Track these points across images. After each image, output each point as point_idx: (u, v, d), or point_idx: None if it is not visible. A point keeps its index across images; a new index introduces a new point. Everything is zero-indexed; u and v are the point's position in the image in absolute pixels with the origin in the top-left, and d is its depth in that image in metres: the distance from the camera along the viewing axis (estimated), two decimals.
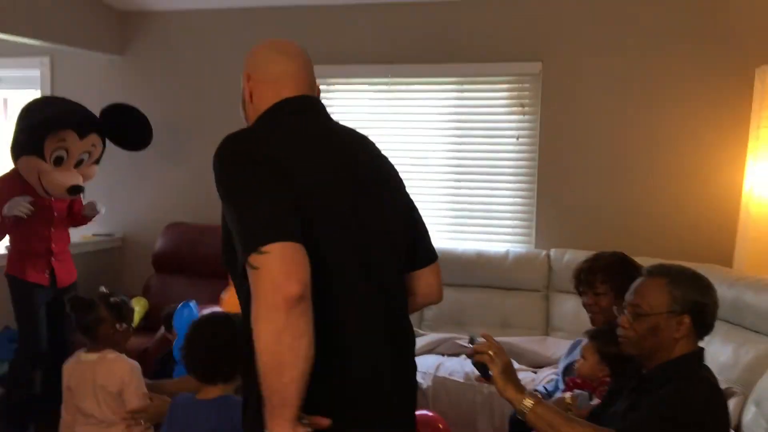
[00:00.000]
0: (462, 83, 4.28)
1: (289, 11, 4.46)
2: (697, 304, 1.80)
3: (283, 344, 1.22)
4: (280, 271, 1.23)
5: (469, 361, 1.90)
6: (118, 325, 2.54)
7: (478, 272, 4.00)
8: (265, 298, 1.24)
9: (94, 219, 3.82)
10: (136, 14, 4.75)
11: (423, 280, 1.67)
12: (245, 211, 1.32)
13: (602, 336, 2.25)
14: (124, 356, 2.53)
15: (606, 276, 2.41)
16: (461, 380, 3.31)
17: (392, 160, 1.67)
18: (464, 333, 3.74)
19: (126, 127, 3.87)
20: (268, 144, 1.44)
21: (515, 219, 4.29)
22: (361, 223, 1.47)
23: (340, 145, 1.54)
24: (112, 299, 2.57)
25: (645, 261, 2.40)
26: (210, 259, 4.26)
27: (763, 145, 3.50)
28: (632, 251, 3.86)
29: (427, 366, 3.38)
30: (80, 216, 3.75)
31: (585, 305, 2.48)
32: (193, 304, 2.95)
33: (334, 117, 1.63)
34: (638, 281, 1.87)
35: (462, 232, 4.33)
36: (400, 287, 1.59)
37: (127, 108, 3.90)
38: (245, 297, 1.36)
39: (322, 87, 1.76)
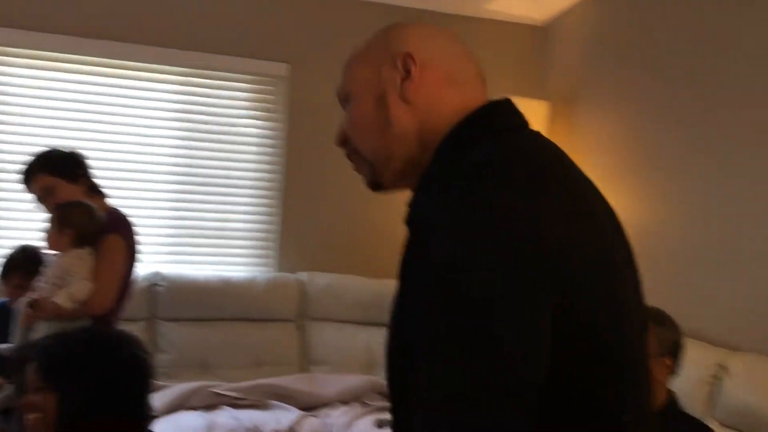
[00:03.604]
0: (191, 75, 3.61)
1: None
2: (677, 344, 1.79)
3: None
4: None
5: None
6: None
7: (224, 303, 3.42)
8: None
9: None
10: None
11: None
12: (467, 376, 0.74)
13: None
14: None
15: None
16: None
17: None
18: (216, 379, 3.16)
19: None
20: (537, 217, 0.79)
21: (255, 240, 3.76)
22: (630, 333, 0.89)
23: (594, 198, 0.92)
24: None
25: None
26: None
27: None
28: (386, 273, 3.68)
29: (193, 428, 2.75)
30: None
31: None
32: None
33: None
34: None
35: (190, 254, 3.68)
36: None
37: None
38: None
39: None
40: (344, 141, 1.02)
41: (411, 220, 0.89)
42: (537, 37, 3.98)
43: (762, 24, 2.55)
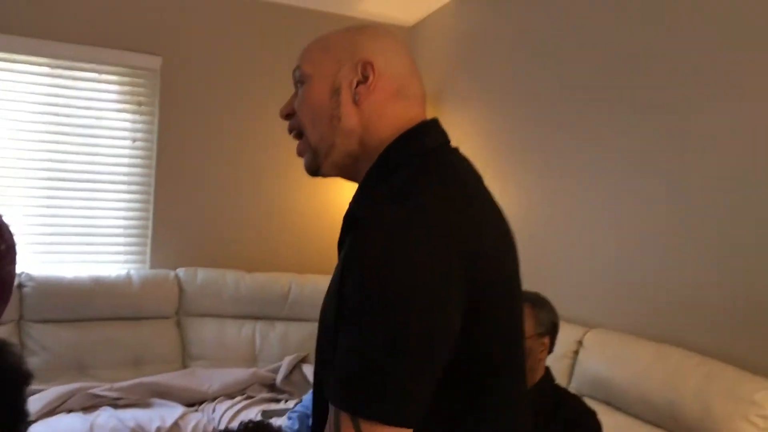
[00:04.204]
0: (59, 67, 3.48)
1: None
2: (555, 325, 2.00)
3: None
4: None
5: None
6: None
7: (98, 302, 3.33)
8: None
9: None
10: None
11: None
12: (384, 345, 0.87)
13: None
14: None
15: None
16: None
17: None
18: (93, 380, 3.09)
19: None
20: (459, 208, 0.96)
21: (128, 236, 3.70)
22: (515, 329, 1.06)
23: (498, 209, 1.07)
24: None
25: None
26: None
27: None
28: (262, 267, 3.75)
29: (75, 428, 2.70)
30: None
31: None
32: None
33: None
34: None
35: (59, 252, 3.56)
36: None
37: None
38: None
39: None
40: (289, 114, 1.11)
41: (351, 218, 1.01)
42: (406, 37, 4.16)
43: (605, 26, 2.84)
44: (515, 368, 1.05)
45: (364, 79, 1.04)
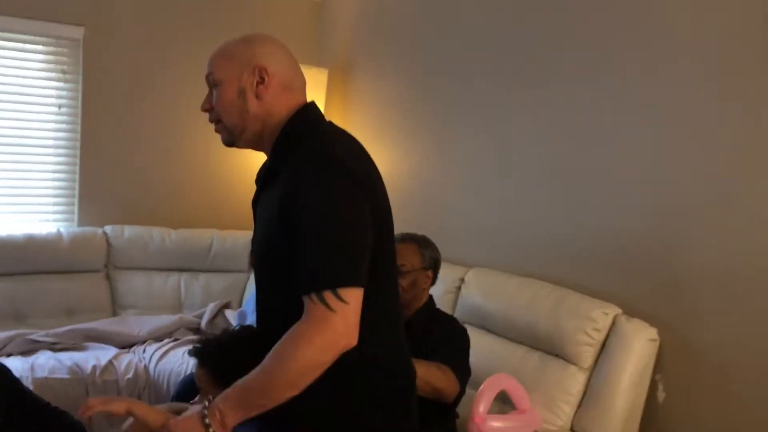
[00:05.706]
0: None
1: None
2: (437, 261, 2.40)
3: (310, 376, 1.27)
4: (352, 322, 1.27)
5: None
6: None
7: (31, 258, 3.57)
8: (323, 339, 1.25)
9: None
10: None
11: None
12: (336, 239, 1.30)
13: None
14: None
15: None
16: (66, 376, 2.99)
17: None
18: (29, 328, 3.36)
19: None
20: (354, 157, 1.42)
21: (55, 196, 3.95)
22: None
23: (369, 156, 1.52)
24: None
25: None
26: None
27: None
28: (186, 224, 4.05)
29: (16, 369, 2.91)
30: None
31: None
32: None
33: None
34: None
35: None
36: None
37: None
38: (282, 311, 1.37)
39: None
40: (208, 109, 1.50)
41: (271, 172, 1.46)
42: (316, 11, 4.47)
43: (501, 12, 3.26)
44: (392, 248, 1.51)
45: (262, 80, 1.43)
